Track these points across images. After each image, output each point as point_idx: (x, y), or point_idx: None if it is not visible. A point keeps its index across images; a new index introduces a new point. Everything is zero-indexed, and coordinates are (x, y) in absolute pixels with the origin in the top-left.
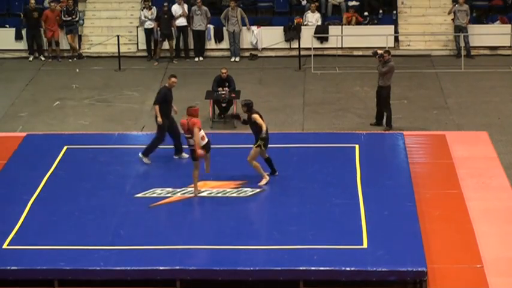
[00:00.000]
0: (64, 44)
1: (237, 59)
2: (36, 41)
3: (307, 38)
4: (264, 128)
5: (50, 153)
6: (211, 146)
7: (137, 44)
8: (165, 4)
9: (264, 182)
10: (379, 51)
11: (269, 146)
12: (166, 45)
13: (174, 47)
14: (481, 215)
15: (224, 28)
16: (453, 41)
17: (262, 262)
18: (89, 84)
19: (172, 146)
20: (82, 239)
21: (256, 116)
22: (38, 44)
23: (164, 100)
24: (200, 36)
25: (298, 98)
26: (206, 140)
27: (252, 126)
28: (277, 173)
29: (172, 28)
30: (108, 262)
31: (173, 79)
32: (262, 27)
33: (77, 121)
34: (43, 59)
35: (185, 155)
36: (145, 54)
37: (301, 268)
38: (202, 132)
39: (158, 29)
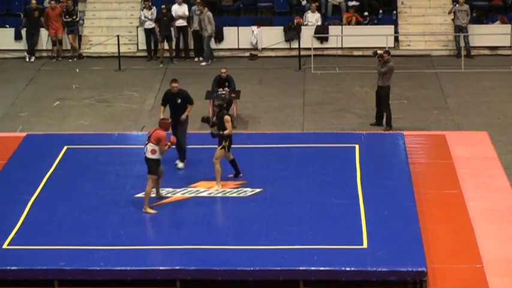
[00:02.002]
0: (66, 44)
1: (206, 63)
2: (36, 40)
3: (307, 38)
4: (230, 131)
5: (50, 153)
6: (209, 147)
7: (137, 44)
8: (163, 6)
9: (216, 188)
10: (379, 51)
11: (270, 146)
12: (166, 45)
13: (173, 48)
14: (481, 215)
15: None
16: (453, 41)
17: (262, 262)
18: (89, 84)
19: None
20: (82, 239)
21: (228, 118)
22: (37, 43)
23: (166, 101)
24: (200, 37)
25: (298, 98)
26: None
27: (221, 127)
28: (241, 174)
29: (172, 28)
30: (108, 262)
31: (173, 84)
32: (262, 27)
33: (77, 121)
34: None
35: (180, 164)
36: (145, 54)
37: (301, 268)
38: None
39: (158, 30)
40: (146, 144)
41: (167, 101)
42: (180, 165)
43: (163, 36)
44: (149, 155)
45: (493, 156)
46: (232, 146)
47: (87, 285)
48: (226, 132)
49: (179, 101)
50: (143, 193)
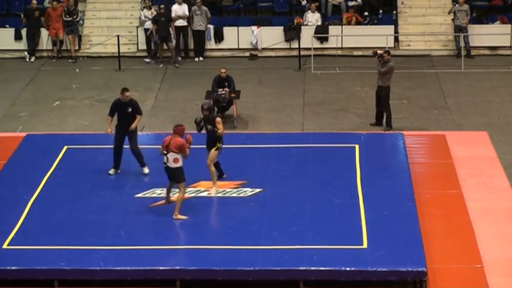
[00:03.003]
0: (66, 44)
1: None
2: (37, 41)
3: (307, 38)
4: (223, 132)
5: (50, 153)
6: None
7: (137, 44)
8: (162, 6)
9: (213, 190)
10: (379, 51)
11: (270, 146)
12: (164, 46)
13: (173, 49)
14: (481, 215)
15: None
16: (453, 41)
17: (262, 262)
18: (89, 84)
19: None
20: (82, 239)
21: (220, 120)
22: (37, 43)
23: (114, 111)
24: (200, 36)
25: (298, 98)
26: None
27: (212, 129)
28: (224, 175)
29: (170, 29)
30: (108, 262)
31: (126, 93)
32: (262, 27)
33: (77, 121)
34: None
35: (146, 170)
36: (145, 54)
37: (301, 268)
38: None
39: (156, 31)
40: (166, 155)
41: (115, 110)
42: (146, 170)
43: (161, 37)
44: (173, 165)
45: (493, 156)
46: (233, 146)
47: (87, 285)
48: (219, 132)
49: (130, 110)
50: (143, 193)
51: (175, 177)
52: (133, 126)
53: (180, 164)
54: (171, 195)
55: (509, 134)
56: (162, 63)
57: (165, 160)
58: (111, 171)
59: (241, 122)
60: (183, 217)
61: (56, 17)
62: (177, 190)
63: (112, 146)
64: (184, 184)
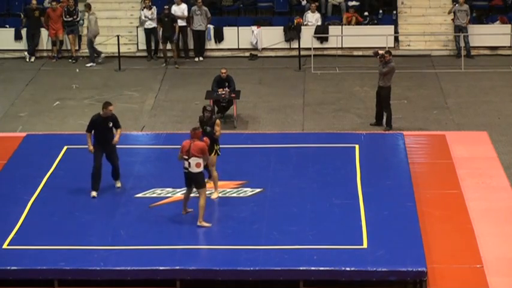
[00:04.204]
0: (66, 44)
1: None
2: (37, 41)
3: (307, 38)
4: (219, 135)
5: (50, 153)
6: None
7: (137, 44)
8: (166, 7)
9: (215, 195)
10: (380, 52)
11: (270, 146)
12: (168, 46)
13: (175, 49)
14: (481, 215)
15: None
16: (453, 41)
17: (262, 262)
18: (89, 84)
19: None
20: (82, 239)
21: (219, 122)
22: (37, 43)
23: (93, 128)
24: (200, 36)
25: (298, 98)
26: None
27: (211, 130)
28: (207, 180)
29: (174, 29)
30: (108, 262)
31: (109, 107)
32: (262, 27)
33: (77, 121)
34: (42, 58)
35: (118, 184)
36: (145, 54)
37: (301, 268)
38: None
39: (161, 31)
40: (187, 160)
41: (94, 126)
42: (118, 184)
43: (165, 37)
44: (196, 170)
45: (493, 156)
46: (233, 146)
47: (87, 285)
48: (216, 134)
49: (111, 124)
50: (143, 193)
51: (196, 183)
52: (117, 139)
53: (201, 168)
54: (170, 195)
55: (509, 134)
56: (166, 63)
57: (186, 165)
58: (94, 194)
59: (241, 122)
60: (207, 224)
61: (55, 18)
62: (182, 190)
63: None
64: (205, 190)
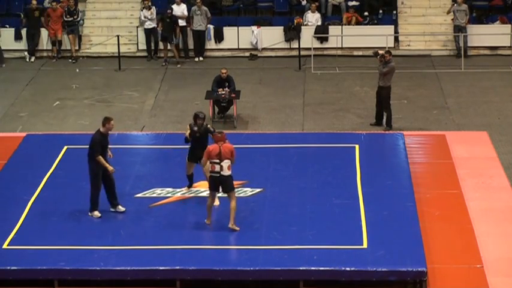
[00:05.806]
0: (65, 44)
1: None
2: (37, 41)
3: (307, 38)
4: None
5: (50, 153)
6: None
7: (137, 44)
8: (169, 11)
9: (218, 202)
10: (380, 52)
11: (270, 146)
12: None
13: (175, 50)
14: (481, 215)
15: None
16: (453, 41)
17: (262, 262)
18: (89, 84)
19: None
20: (82, 239)
21: (209, 127)
22: (37, 43)
23: (100, 147)
24: (200, 36)
25: (298, 98)
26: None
27: (204, 136)
28: (191, 187)
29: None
30: (108, 262)
31: (111, 122)
32: (262, 27)
33: (77, 121)
34: (42, 58)
35: (121, 208)
36: (145, 54)
37: (301, 268)
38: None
39: (161, 30)
40: (218, 164)
41: (100, 145)
42: (122, 208)
43: (163, 36)
44: (227, 172)
45: (493, 156)
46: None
47: (87, 285)
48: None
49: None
50: (143, 193)
51: (227, 186)
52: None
53: (231, 170)
54: (170, 195)
55: (509, 134)
56: (166, 63)
57: (217, 169)
58: (98, 214)
59: (241, 122)
60: (237, 228)
61: (55, 18)
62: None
63: (112, 146)
64: (235, 192)
